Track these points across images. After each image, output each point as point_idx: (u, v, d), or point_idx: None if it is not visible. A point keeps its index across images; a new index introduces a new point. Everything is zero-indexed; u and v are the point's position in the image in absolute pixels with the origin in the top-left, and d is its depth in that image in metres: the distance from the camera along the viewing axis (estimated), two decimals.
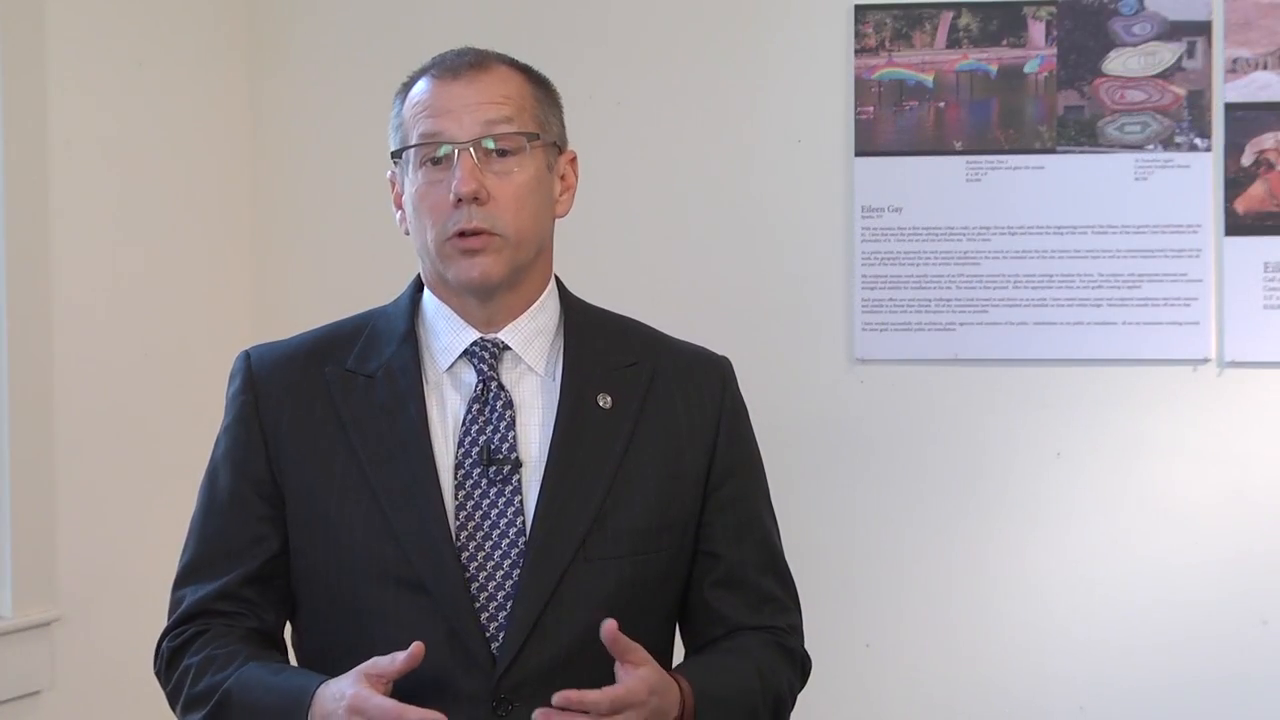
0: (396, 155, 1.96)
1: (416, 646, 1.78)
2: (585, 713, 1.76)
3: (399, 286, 2.06)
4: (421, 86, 1.95)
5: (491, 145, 1.91)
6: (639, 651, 1.81)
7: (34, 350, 3.14)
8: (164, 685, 1.98)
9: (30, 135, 3.14)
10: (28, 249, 3.13)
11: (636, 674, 1.79)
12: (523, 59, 2.04)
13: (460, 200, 1.89)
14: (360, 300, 2.24)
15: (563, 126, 2.01)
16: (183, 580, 1.99)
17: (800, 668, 2.06)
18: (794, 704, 2.06)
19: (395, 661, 1.78)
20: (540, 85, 1.99)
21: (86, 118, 3.28)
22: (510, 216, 1.91)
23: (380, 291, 2.23)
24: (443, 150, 1.91)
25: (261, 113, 3.72)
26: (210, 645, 1.92)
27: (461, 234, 1.90)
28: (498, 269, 1.92)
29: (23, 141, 3.12)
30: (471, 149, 1.90)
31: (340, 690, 1.79)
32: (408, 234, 1.98)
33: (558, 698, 1.76)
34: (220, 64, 3.66)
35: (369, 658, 1.87)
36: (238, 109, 3.70)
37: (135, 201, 3.41)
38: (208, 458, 2.02)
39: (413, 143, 1.93)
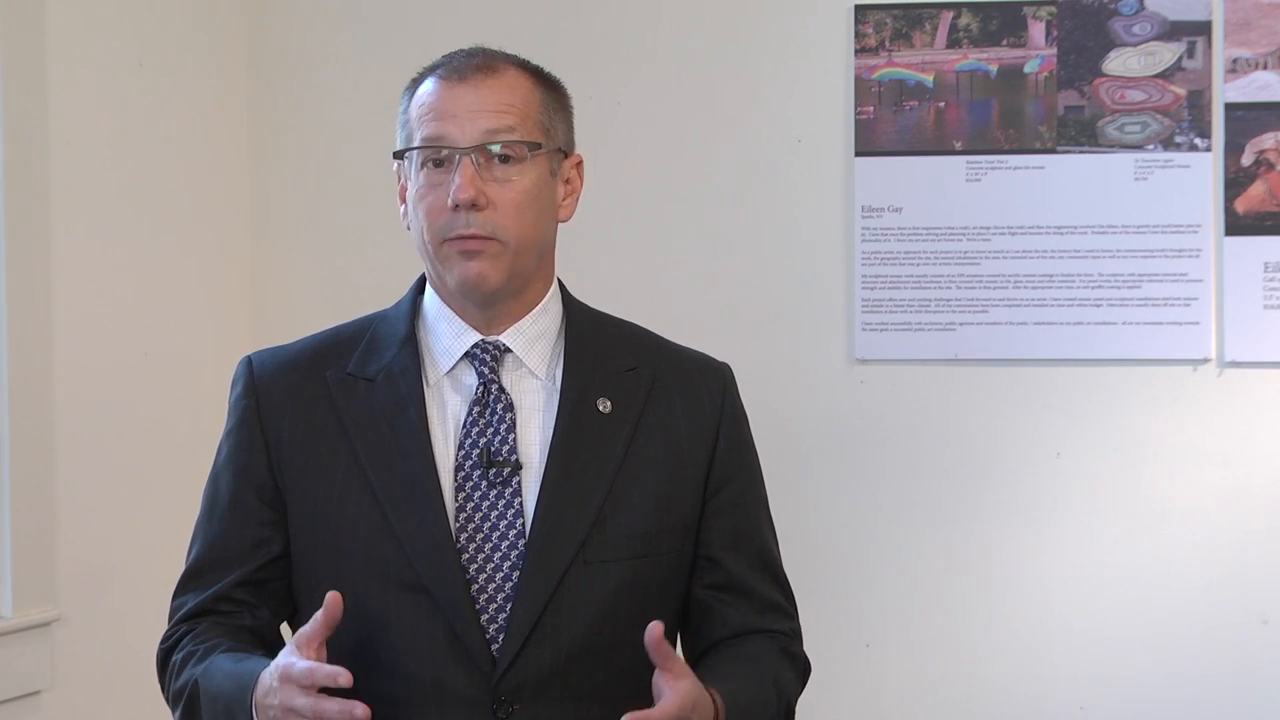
0: (400, 155, 1.97)
1: (332, 596, 1.76)
2: None
3: (400, 286, 2.06)
4: (428, 87, 1.95)
5: (496, 149, 1.91)
6: (679, 661, 1.80)
7: (34, 350, 3.13)
8: (161, 688, 1.99)
9: (30, 135, 3.14)
10: (28, 249, 3.13)
11: (679, 688, 1.77)
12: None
13: (458, 206, 1.89)
14: (360, 300, 2.24)
15: (570, 130, 2.00)
16: (183, 587, 2.00)
17: (802, 673, 2.06)
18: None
19: (315, 622, 1.77)
20: (550, 89, 1.98)
21: (86, 118, 3.28)
22: (510, 222, 1.91)
23: (381, 291, 2.24)
24: (444, 154, 1.91)
25: (261, 113, 3.72)
26: (193, 641, 1.93)
27: (460, 236, 1.90)
28: (495, 273, 1.92)
29: (23, 141, 3.12)
30: (472, 155, 1.90)
31: (274, 664, 1.78)
32: (409, 229, 1.98)
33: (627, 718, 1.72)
34: (220, 64, 3.66)
35: (372, 660, 1.87)
36: (238, 109, 3.70)
37: (135, 201, 3.40)
38: (208, 458, 2.03)
39: (415, 145, 1.93)
